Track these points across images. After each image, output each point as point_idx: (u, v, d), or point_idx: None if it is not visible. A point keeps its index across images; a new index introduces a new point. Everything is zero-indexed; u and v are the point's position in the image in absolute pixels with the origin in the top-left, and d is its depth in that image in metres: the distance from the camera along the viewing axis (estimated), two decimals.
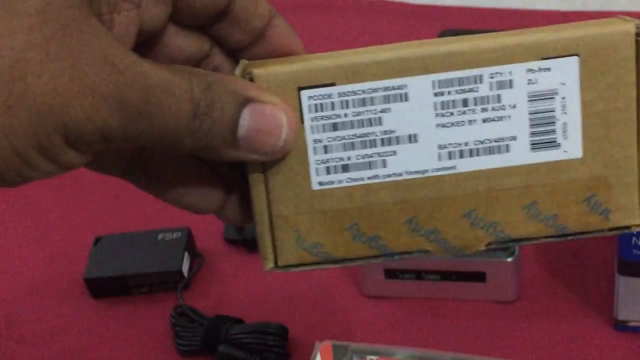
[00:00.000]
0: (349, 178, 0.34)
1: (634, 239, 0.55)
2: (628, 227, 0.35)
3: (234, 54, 0.35)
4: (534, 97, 0.33)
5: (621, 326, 0.61)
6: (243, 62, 0.33)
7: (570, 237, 0.35)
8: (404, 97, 0.33)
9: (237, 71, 0.33)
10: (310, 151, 0.33)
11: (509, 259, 0.62)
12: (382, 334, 0.64)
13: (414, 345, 0.62)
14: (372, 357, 0.59)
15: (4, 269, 0.75)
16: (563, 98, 0.33)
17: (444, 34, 0.93)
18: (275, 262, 0.35)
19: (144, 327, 0.68)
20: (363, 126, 0.33)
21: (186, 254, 0.71)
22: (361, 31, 0.98)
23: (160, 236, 0.72)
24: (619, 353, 0.61)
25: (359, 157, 0.34)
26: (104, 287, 0.70)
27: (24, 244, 0.77)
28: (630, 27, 0.32)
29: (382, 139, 0.33)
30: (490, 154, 0.34)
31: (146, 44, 0.33)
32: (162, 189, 0.35)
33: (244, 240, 0.73)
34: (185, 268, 0.70)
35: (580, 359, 0.61)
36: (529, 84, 0.33)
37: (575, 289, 0.66)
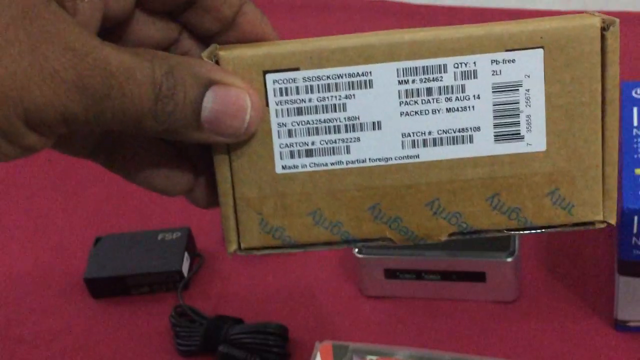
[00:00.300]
0: (312, 163, 0.34)
1: (634, 239, 0.55)
2: (592, 223, 0.35)
3: (204, 40, 0.35)
4: (498, 88, 0.33)
5: (621, 326, 0.61)
6: (213, 46, 0.34)
7: (534, 231, 0.35)
8: (369, 84, 0.33)
9: (205, 53, 0.33)
10: (274, 135, 0.34)
11: (509, 259, 0.62)
12: (382, 334, 0.64)
13: (414, 345, 0.62)
14: (372, 357, 0.59)
15: (3, 269, 0.75)
16: (527, 90, 0.33)
17: None
18: (239, 244, 0.35)
19: (144, 327, 0.68)
20: (327, 112, 0.33)
21: (186, 254, 0.71)
22: (361, 31, 0.98)
23: (160, 236, 0.72)
24: (619, 353, 0.61)
25: (322, 142, 0.34)
26: (104, 287, 0.70)
27: (24, 243, 0.77)
28: (596, 21, 0.32)
29: (346, 125, 0.34)
30: (453, 144, 0.34)
31: (113, 31, 0.33)
32: (131, 171, 0.35)
33: None
34: (185, 268, 0.70)
35: (580, 359, 0.61)
36: (493, 75, 0.33)
37: (575, 289, 0.65)
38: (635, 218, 0.54)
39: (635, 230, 0.55)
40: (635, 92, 0.61)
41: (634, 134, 0.58)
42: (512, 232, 0.35)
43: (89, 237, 0.74)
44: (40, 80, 0.27)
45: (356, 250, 0.64)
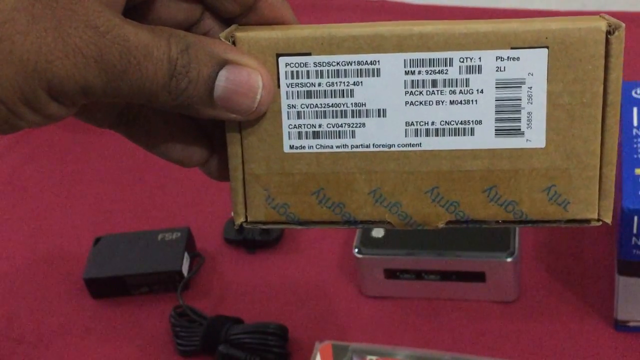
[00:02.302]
0: (318, 144, 0.35)
1: (634, 239, 0.55)
2: (586, 221, 0.35)
3: (226, 21, 0.36)
4: (501, 85, 0.34)
5: (621, 326, 0.61)
6: (232, 26, 0.35)
7: (528, 224, 0.35)
8: (376, 73, 0.34)
9: (223, 34, 0.34)
10: (284, 115, 0.35)
11: (509, 259, 0.62)
12: (382, 334, 0.64)
13: (414, 345, 0.62)
14: (372, 357, 0.59)
15: (4, 269, 0.75)
16: (530, 88, 0.34)
17: None
18: (246, 217, 0.37)
19: (144, 327, 0.68)
20: (335, 97, 0.35)
21: (186, 254, 0.71)
22: None
23: (160, 236, 0.72)
24: (619, 353, 0.61)
25: (329, 125, 0.35)
26: (104, 287, 0.70)
27: (24, 243, 0.77)
28: (601, 24, 0.33)
29: (353, 111, 0.35)
30: (455, 135, 0.35)
31: (137, 10, 0.35)
32: (150, 141, 0.37)
33: (244, 240, 0.73)
34: (185, 268, 0.70)
35: (580, 359, 0.61)
36: (497, 71, 0.34)
37: (575, 289, 0.66)
38: (635, 218, 0.54)
39: (635, 230, 0.55)
40: (635, 92, 0.61)
41: (634, 134, 0.58)
42: (508, 224, 0.36)
43: (89, 237, 0.75)
44: (62, 54, 0.29)
45: (356, 250, 0.65)
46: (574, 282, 0.66)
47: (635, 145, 0.57)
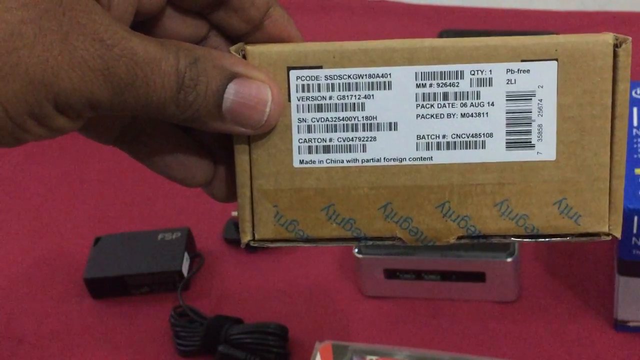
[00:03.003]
0: (329, 159, 0.35)
1: (634, 239, 0.55)
2: (597, 235, 0.35)
3: (232, 40, 0.36)
4: (512, 97, 0.34)
5: (621, 326, 0.61)
6: (241, 43, 0.35)
7: (540, 240, 0.35)
8: (388, 86, 0.34)
9: (233, 48, 0.34)
10: (294, 129, 0.35)
11: (509, 259, 0.62)
12: (382, 334, 0.64)
13: (414, 345, 0.62)
14: (372, 357, 0.59)
15: (3, 269, 0.75)
16: (540, 100, 0.34)
17: (443, 33, 0.93)
18: (253, 235, 0.36)
19: (144, 327, 0.68)
20: (346, 110, 0.34)
21: (186, 254, 0.71)
22: (361, 31, 0.99)
23: (160, 236, 0.72)
24: (619, 353, 0.61)
25: (340, 139, 0.35)
26: (104, 287, 0.70)
27: (24, 243, 0.77)
28: (608, 37, 0.33)
29: (364, 124, 0.35)
30: (466, 148, 0.34)
31: (144, 25, 0.35)
32: (152, 159, 0.37)
33: None
34: (185, 268, 0.70)
35: (580, 359, 0.61)
36: (507, 83, 0.34)
37: (575, 289, 0.66)
38: (635, 218, 0.54)
39: (635, 230, 0.55)
40: (635, 92, 0.61)
41: (634, 134, 0.58)
42: (518, 239, 0.35)
43: (89, 237, 0.74)
44: (69, 68, 0.29)
45: (356, 250, 0.65)
46: (574, 282, 0.66)
47: (635, 145, 0.57)
